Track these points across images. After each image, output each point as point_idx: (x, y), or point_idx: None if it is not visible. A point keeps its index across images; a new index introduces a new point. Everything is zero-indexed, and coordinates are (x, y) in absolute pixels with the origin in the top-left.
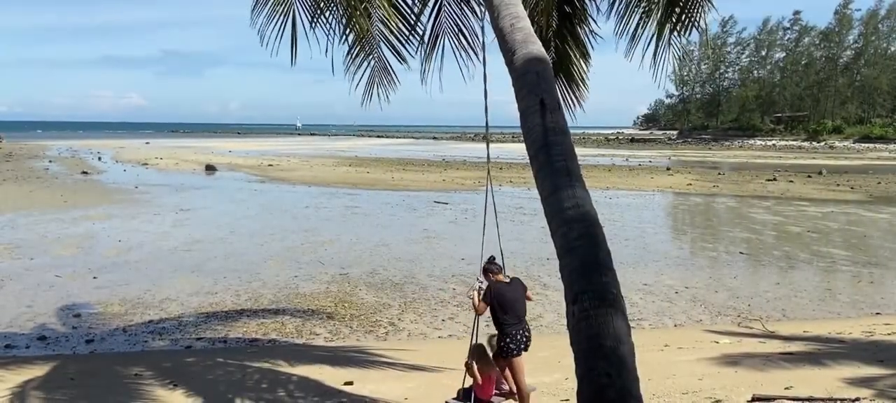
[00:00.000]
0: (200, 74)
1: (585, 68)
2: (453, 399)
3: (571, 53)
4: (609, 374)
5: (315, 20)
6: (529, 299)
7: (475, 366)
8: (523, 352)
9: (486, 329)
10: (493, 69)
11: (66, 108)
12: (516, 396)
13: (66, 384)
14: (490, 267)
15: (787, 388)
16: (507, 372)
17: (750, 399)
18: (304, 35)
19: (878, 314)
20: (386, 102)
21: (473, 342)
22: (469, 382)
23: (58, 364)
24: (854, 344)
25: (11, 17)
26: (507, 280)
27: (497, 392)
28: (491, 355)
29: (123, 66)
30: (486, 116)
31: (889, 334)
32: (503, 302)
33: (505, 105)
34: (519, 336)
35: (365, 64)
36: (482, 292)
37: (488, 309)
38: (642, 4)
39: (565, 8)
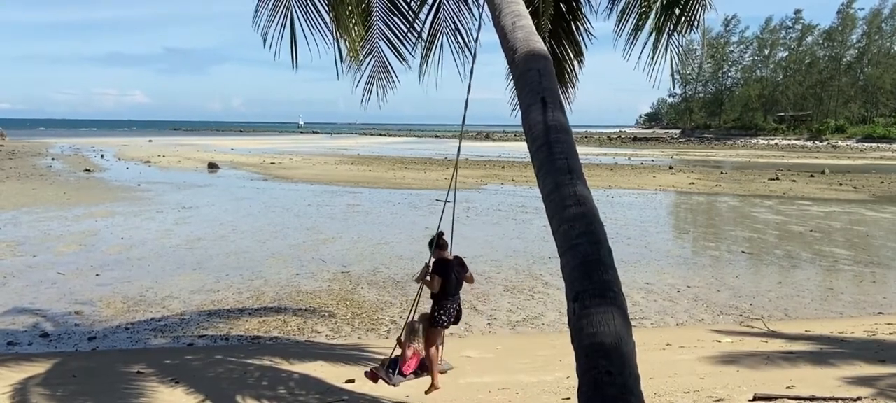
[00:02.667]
0: (203, 71)
1: (578, 67)
2: (379, 365)
3: (565, 52)
4: (610, 372)
5: (312, 24)
6: (469, 281)
7: (408, 343)
8: (451, 325)
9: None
10: (496, 69)
11: (69, 106)
12: (429, 370)
13: (68, 381)
14: (439, 242)
15: (788, 387)
16: (434, 355)
17: (751, 398)
18: (303, 37)
19: (880, 313)
20: (384, 101)
21: (409, 319)
22: (398, 354)
23: (60, 361)
24: (856, 344)
25: (15, 13)
26: (451, 257)
27: (417, 370)
28: (421, 331)
29: (127, 63)
30: (465, 112)
31: (891, 333)
32: (445, 277)
33: (506, 103)
34: (451, 309)
35: (365, 62)
36: (429, 268)
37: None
38: (641, 4)
39: (561, 6)
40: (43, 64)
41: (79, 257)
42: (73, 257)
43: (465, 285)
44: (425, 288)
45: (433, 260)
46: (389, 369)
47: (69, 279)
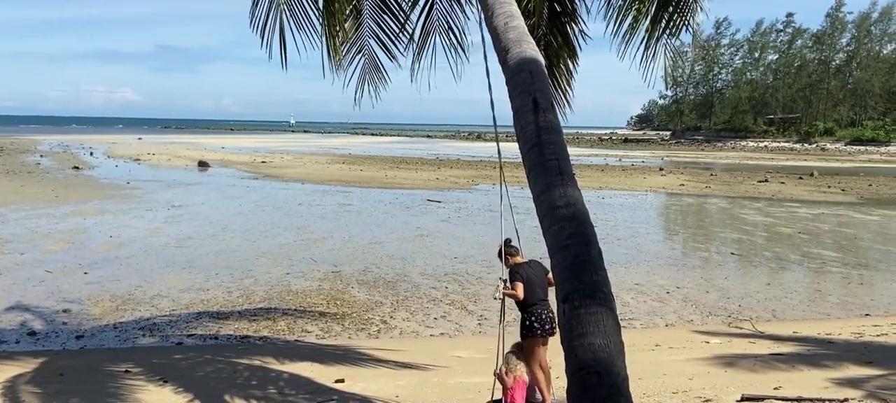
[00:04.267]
0: (195, 70)
1: (573, 67)
2: None
3: (560, 52)
4: (599, 372)
5: (299, 23)
6: (551, 283)
7: (506, 373)
8: (549, 335)
9: (510, 337)
10: (489, 68)
11: (58, 103)
12: (541, 394)
13: (56, 379)
14: (509, 250)
15: (776, 388)
16: (539, 374)
17: (739, 398)
18: (292, 36)
19: (867, 315)
20: (377, 100)
21: (500, 349)
22: (499, 394)
23: (47, 359)
24: (843, 345)
25: (6, 10)
26: (525, 260)
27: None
28: (519, 357)
29: (117, 60)
30: (493, 112)
31: (878, 335)
32: (526, 282)
33: (499, 103)
34: (543, 316)
35: (355, 61)
36: (506, 282)
37: (521, 288)
38: (634, 5)
39: (556, 7)
40: (32, 60)
41: (67, 255)
42: (61, 255)
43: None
44: (509, 302)
45: (508, 269)
46: None
47: (57, 277)
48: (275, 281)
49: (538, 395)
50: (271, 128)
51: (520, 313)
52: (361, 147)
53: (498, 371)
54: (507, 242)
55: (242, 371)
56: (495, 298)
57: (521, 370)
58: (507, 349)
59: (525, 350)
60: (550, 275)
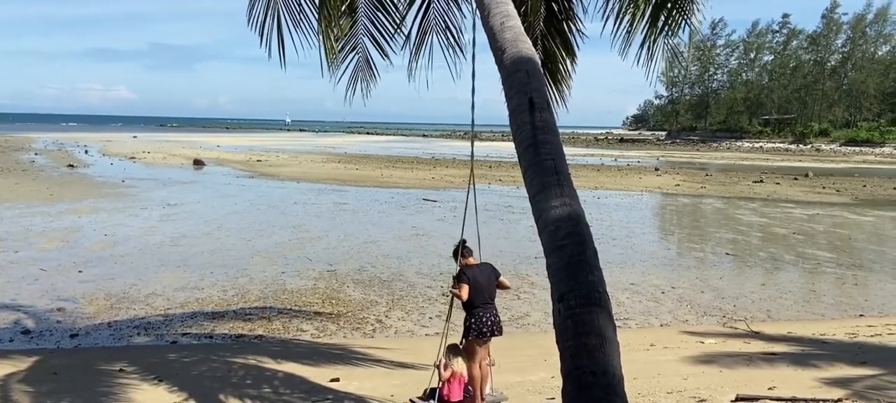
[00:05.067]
0: (190, 68)
1: (571, 67)
2: (418, 397)
3: (558, 52)
4: (594, 372)
5: (297, 21)
6: (504, 287)
7: (444, 367)
8: (491, 337)
9: (457, 331)
10: (482, 67)
11: (53, 101)
12: (473, 393)
13: (50, 378)
14: (463, 250)
15: (770, 388)
16: (476, 373)
17: (734, 398)
18: (289, 34)
19: (861, 316)
20: (368, 98)
21: (444, 342)
22: (437, 383)
23: (41, 358)
24: (837, 345)
25: (2, 8)
26: (478, 263)
27: (463, 399)
28: (458, 353)
29: (112, 58)
30: (472, 113)
31: (872, 336)
32: (473, 284)
33: (494, 103)
34: (484, 318)
35: (348, 59)
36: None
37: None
38: (631, 6)
39: (553, 6)
40: (27, 58)
41: (61, 253)
42: (55, 253)
43: (501, 292)
44: (456, 301)
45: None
46: (429, 398)
47: (51, 275)
48: (270, 279)
49: (472, 392)
50: (267, 126)
51: (465, 311)
52: (357, 146)
53: (437, 362)
54: (463, 243)
55: (237, 370)
56: (445, 295)
57: (459, 365)
58: (456, 343)
59: (465, 348)
60: (502, 279)
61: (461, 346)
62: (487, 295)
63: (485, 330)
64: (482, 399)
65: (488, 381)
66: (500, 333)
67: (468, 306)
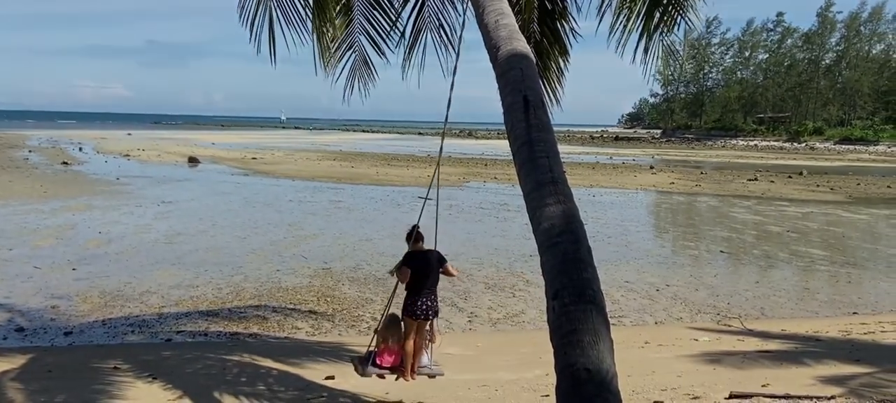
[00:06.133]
0: (185, 65)
1: (565, 65)
2: (357, 358)
3: (552, 50)
4: (588, 369)
5: (289, 19)
6: (449, 273)
7: (385, 335)
8: (424, 319)
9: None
10: (479, 66)
11: (47, 98)
12: (404, 365)
13: (44, 376)
14: (415, 235)
15: (764, 385)
16: (408, 348)
17: (727, 396)
18: (281, 32)
19: (854, 313)
20: (367, 96)
21: (386, 312)
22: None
23: (35, 355)
24: (831, 343)
25: None
26: (425, 250)
27: (397, 366)
28: (396, 325)
29: (107, 55)
30: (448, 109)
31: (866, 333)
32: (415, 269)
33: (490, 101)
34: (419, 302)
35: (345, 58)
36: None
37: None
38: (628, 1)
39: (547, 5)
40: (21, 55)
41: (55, 251)
42: (49, 251)
43: (444, 280)
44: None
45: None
46: (365, 361)
47: (45, 273)
48: (265, 277)
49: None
50: (262, 124)
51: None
52: (353, 144)
53: (377, 328)
54: (416, 228)
55: (232, 367)
56: (389, 273)
57: (396, 336)
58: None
59: (402, 323)
60: (448, 266)
61: (399, 321)
62: (430, 281)
63: (418, 312)
64: (412, 371)
65: (422, 355)
66: (436, 316)
67: (409, 288)
